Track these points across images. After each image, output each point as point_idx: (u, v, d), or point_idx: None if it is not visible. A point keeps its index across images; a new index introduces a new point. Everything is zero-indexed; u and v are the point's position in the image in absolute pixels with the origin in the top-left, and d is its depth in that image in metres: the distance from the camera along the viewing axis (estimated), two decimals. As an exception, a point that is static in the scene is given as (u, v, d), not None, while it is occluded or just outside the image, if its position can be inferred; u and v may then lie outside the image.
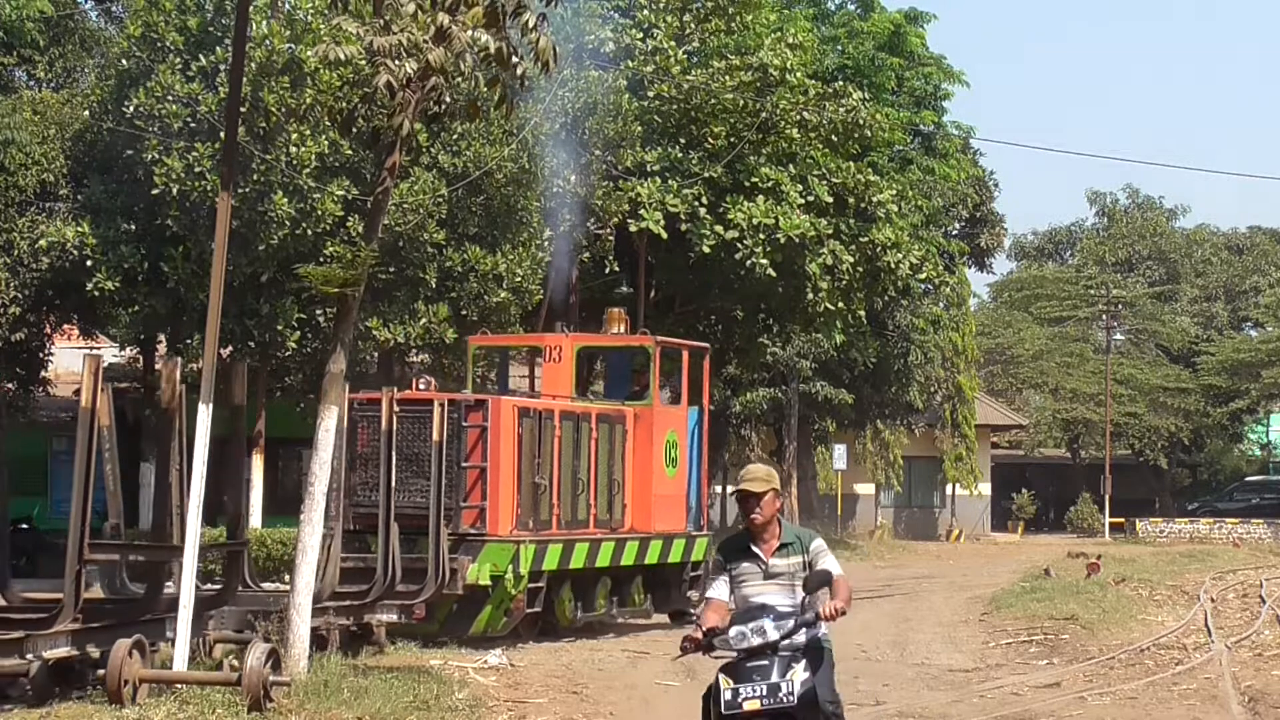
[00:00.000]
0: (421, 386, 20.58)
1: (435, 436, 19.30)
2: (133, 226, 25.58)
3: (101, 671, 13.58)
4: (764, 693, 8.78)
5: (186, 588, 14.34)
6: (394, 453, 18.58)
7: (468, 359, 24.84)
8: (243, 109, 21.61)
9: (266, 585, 19.31)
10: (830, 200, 33.15)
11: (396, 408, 18.80)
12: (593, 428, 22.05)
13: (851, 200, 33.92)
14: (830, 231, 33.18)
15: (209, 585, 17.32)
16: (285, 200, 24.29)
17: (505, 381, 25.10)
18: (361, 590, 18.31)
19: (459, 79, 15.73)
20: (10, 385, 28.87)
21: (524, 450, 20.55)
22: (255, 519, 26.73)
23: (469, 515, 20.16)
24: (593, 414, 22.31)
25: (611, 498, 22.37)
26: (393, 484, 18.44)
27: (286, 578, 21.51)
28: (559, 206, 28.84)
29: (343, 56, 14.94)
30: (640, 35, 33.64)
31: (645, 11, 34.14)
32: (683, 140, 32.99)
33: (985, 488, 61.28)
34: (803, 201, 32.68)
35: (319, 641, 17.15)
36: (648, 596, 23.25)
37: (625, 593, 22.88)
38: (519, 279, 26.67)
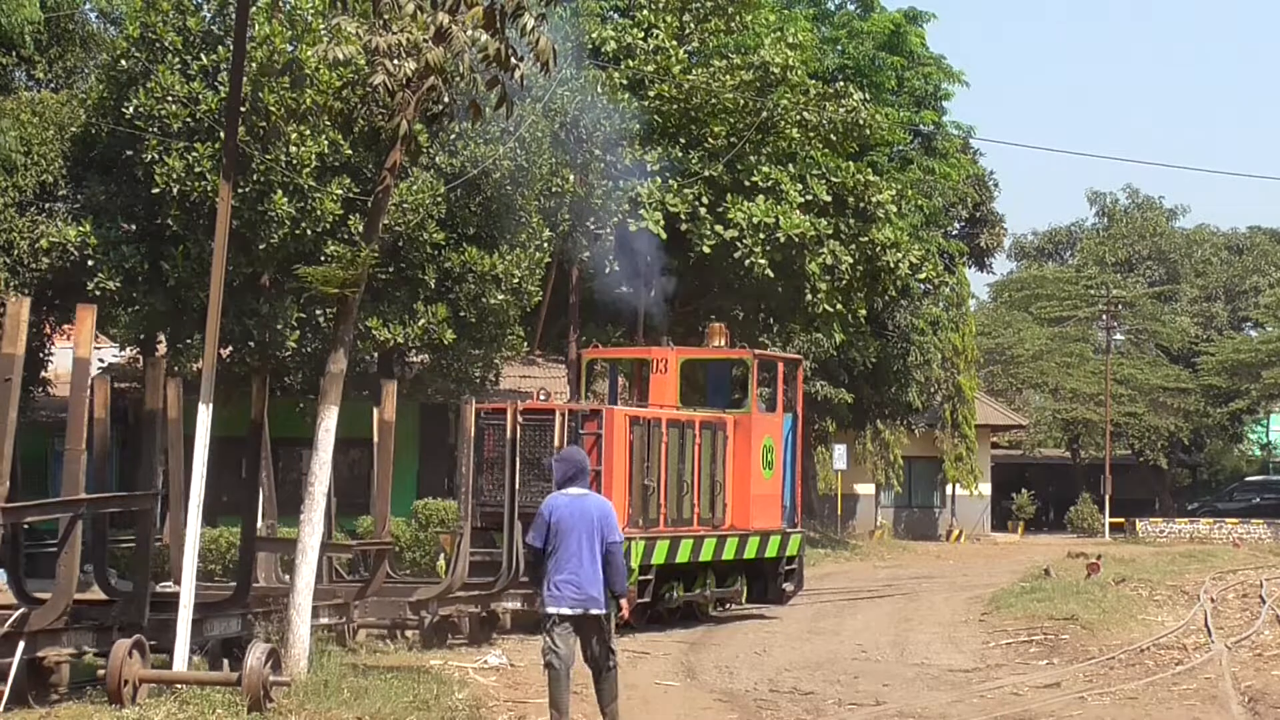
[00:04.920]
0: (542, 398, 22.67)
1: (557, 443, 21.04)
2: (133, 226, 25.57)
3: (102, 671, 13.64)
4: None
5: (187, 587, 14.33)
6: (518, 457, 20.59)
7: (580, 370, 26.89)
8: (243, 109, 21.61)
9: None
10: (830, 200, 33.15)
11: (520, 417, 20.89)
12: (696, 434, 23.66)
13: (851, 200, 33.92)
14: (830, 231, 33.17)
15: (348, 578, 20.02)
16: (285, 200, 24.28)
17: (615, 391, 26.30)
18: (488, 581, 20.57)
19: (458, 79, 15.72)
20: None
21: (635, 455, 22.30)
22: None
23: None
24: (696, 421, 23.84)
25: (713, 498, 24.06)
26: (517, 485, 20.45)
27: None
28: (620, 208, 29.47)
29: (342, 56, 14.92)
30: (640, 35, 33.64)
31: (645, 11, 34.14)
32: (683, 140, 32.97)
33: (985, 488, 61.20)
34: (802, 201, 32.66)
35: (451, 627, 19.75)
36: (744, 586, 24.95)
37: (726, 585, 24.63)
38: (517, 280, 26.70)
